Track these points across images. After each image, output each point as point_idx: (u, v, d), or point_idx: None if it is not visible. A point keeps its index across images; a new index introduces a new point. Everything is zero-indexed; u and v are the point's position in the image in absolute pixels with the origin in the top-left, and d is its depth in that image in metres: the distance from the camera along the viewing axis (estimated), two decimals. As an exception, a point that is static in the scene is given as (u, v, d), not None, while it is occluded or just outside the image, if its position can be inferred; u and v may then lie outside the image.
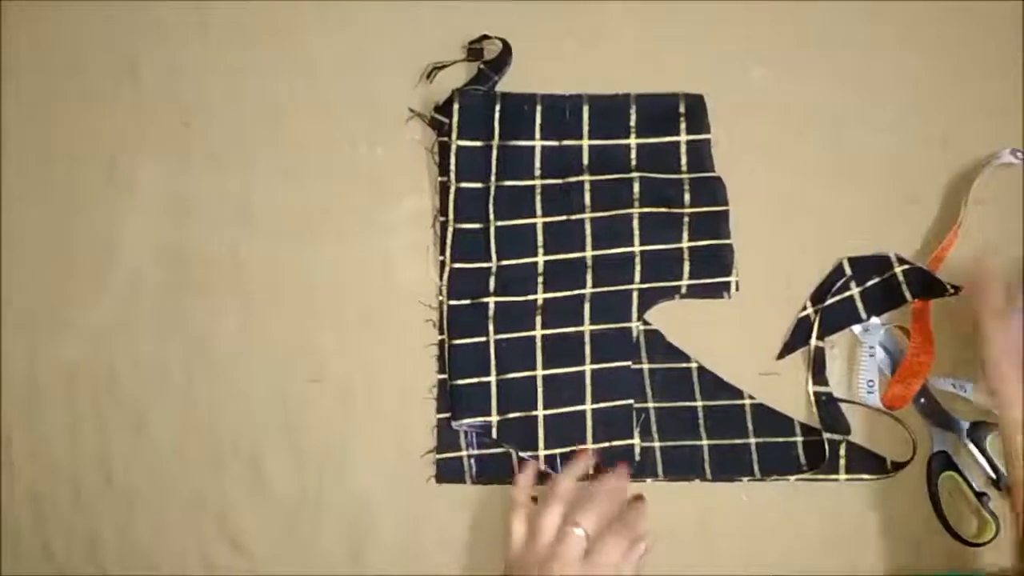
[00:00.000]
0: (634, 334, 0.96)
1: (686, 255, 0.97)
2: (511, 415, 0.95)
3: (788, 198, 0.99)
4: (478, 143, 0.97)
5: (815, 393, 0.96)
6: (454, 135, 0.96)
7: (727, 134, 0.99)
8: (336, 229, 0.98)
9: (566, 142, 0.98)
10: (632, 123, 0.98)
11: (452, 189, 0.96)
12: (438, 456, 0.96)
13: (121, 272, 0.98)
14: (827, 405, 0.96)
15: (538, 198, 0.97)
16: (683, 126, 0.98)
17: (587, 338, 0.96)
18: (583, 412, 0.95)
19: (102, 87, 1.01)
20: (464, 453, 0.95)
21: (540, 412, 0.95)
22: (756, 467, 0.95)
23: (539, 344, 0.96)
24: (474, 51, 0.99)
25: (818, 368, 0.96)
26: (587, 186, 0.97)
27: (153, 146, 1.00)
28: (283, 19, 1.01)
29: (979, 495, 0.94)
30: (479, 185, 0.96)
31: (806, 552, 0.95)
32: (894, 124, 1.00)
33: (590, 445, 0.95)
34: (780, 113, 1.00)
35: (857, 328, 0.97)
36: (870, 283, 0.97)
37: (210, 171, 0.99)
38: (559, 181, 0.97)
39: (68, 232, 0.99)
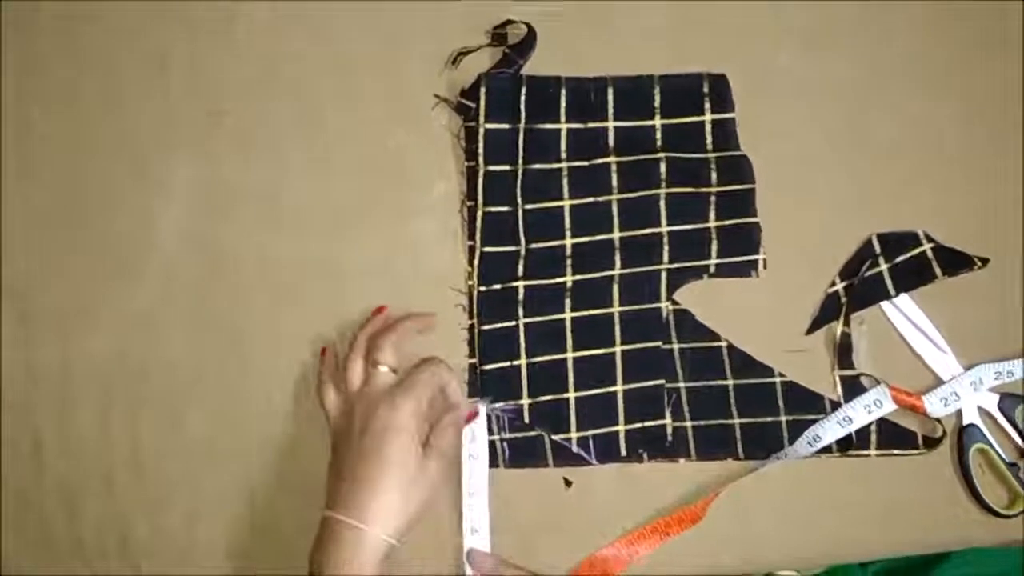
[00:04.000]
0: (663, 314, 0.97)
1: (714, 234, 0.97)
2: (542, 398, 0.96)
3: (813, 176, 0.99)
4: (505, 126, 0.97)
5: (840, 377, 0.96)
6: (482, 118, 0.96)
7: (751, 113, 0.99)
8: (366, 218, 0.98)
9: (591, 124, 0.98)
10: (657, 104, 0.98)
11: (481, 172, 0.96)
12: (471, 440, 0.96)
13: (153, 265, 0.98)
14: (852, 389, 0.96)
15: (565, 180, 0.97)
16: (708, 105, 0.98)
17: (616, 319, 0.96)
18: (614, 393, 0.96)
19: (132, 82, 1.00)
20: (496, 437, 0.95)
21: (571, 395, 0.96)
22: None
23: (569, 327, 0.96)
24: (498, 36, 0.99)
25: (843, 352, 0.96)
26: (613, 167, 0.97)
27: (184, 140, 0.99)
28: (310, 10, 1.01)
29: (1010, 466, 0.94)
30: (507, 168, 0.97)
31: (838, 528, 0.95)
32: (918, 100, 1.00)
33: (622, 426, 0.95)
34: (804, 91, 1.00)
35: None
36: (899, 259, 0.97)
37: (241, 162, 0.99)
38: (585, 163, 0.97)
39: (100, 225, 0.99)
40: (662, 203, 0.97)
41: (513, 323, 0.96)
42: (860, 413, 0.94)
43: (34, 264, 0.99)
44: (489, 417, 0.95)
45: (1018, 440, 0.95)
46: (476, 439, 0.93)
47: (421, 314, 0.95)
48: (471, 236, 0.97)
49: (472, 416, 0.93)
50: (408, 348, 0.93)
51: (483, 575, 0.91)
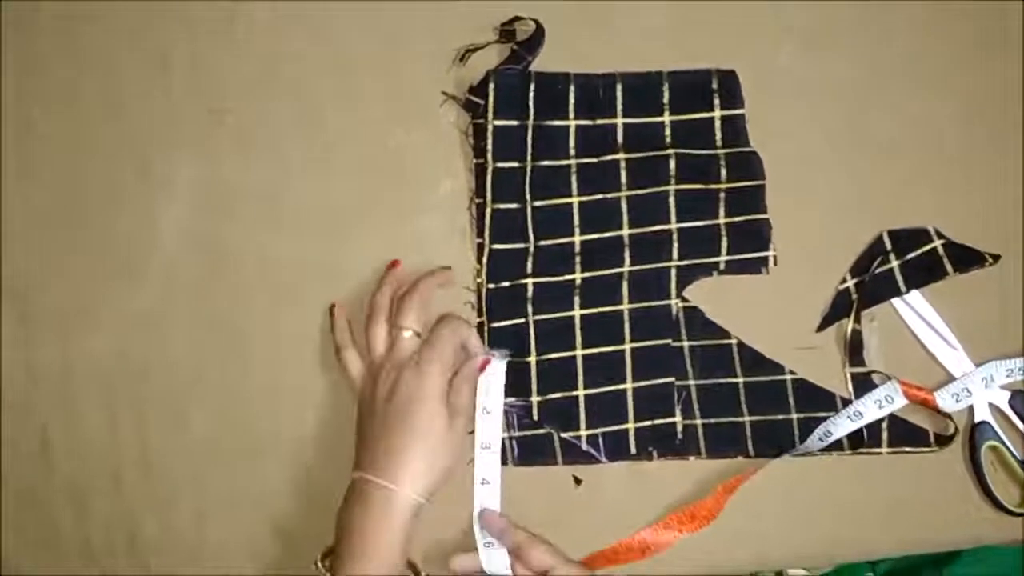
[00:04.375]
0: (673, 312, 0.96)
1: (723, 231, 0.96)
2: (551, 396, 0.95)
3: (823, 172, 0.99)
4: (514, 122, 0.96)
5: (851, 374, 0.95)
6: (490, 115, 0.96)
7: (761, 108, 0.99)
8: (372, 217, 0.98)
9: (600, 121, 0.98)
10: (665, 100, 0.98)
11: (490, 169, 0.96)
12: (479, 438, 0.95)
13: (156, 264, 0.97)
14: (863, 386, 0.95)
15: (574, 177, 0.97)
16: (717, 101, 0.98)
17: (626, 317, 0.96)
18: (624, 391, 0.95)
19: (133, 81, 1.00)
20: (505, 435, 0.94)
21: (581, 392, 0.95)
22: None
23: (578, 324, 0.96)
24: (506, 32, 0.99)
25: (854, 349, 0.96)
26: (622, 164, 0.97)
27: (186, 140, 0.99)
28: (310, 10, 1.00)
29: (1022, 463, 0.94)
30: (516, 165, 0.96)
31: (849, 526, 0.95)
32: (927, 96, 1.00)
33: (632, 424, 0.94)
34: (813, 86, 1.00)
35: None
36: (910, 256, 0.96)
37: (243, 162, 0.99)
38: (594, 160, 0.97)
39: (102, 225, 0.98)
40: (671, 199, 0.96)
41: (522, 320, 0.95)
42: (871, 408, 0.93)
43: (35, 264, 0.98)
44: (506, 415, 0.95)
45: (1032, 438, 0.94)
46: (490, 392, 0.92)
47: (438, 270, 0.95)
48: (480, 233, 0.97)
49: (484, 366, 0.92)
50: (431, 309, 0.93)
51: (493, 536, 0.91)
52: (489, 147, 0.96)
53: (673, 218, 0.96)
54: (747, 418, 0.95)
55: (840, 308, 0.96)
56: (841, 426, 0.93)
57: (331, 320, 0.95)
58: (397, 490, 0.84)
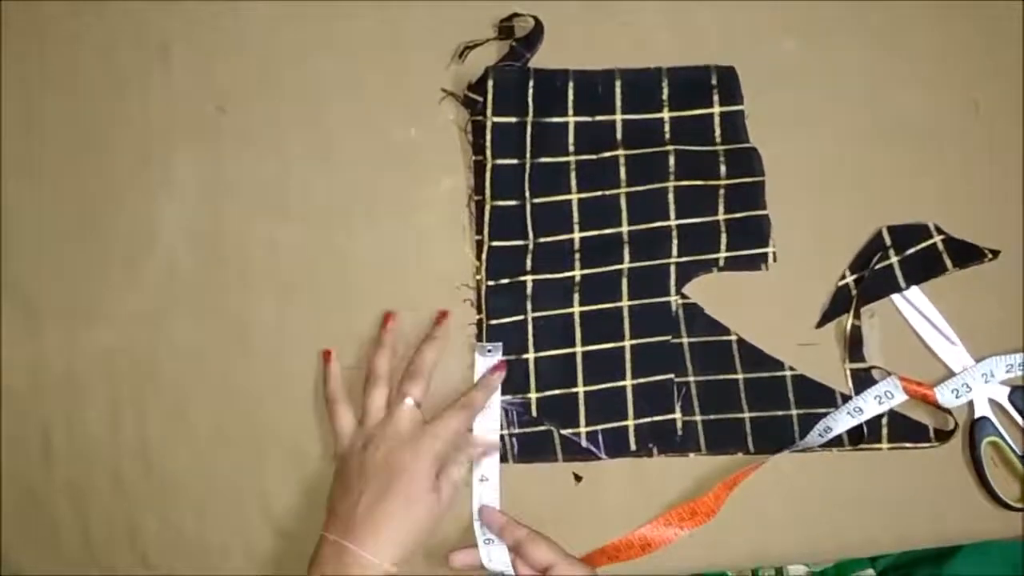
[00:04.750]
0: (673, 308, 0.96)
1: (723, 227, 0.96)
2: (551, 392, 0.95)
3: (822, 168, 0.99)
4: (513, 119, 0.96)
5: (851, 371, 0.95)
6: (489, 112, 0.96)
7: (760, 105, 0.98)
8: (372, 212, 0.98)
9: (599, 117, 0.98)
10: (665, 96, 0.98)
11: (489, 166, 0.96)
12: (479, 435, 0.94)
13: (157, 259, 0.97)
14: (863, 382, 0.95)
15: (573, 174, 0.97)
16: (716, 98, 0.98)
17: (626, 314, 0.96)
18: (623, 388, 0.95)
19: (134, 73, 1.00)
20: (505, 432, 0.94)
21: (580, 389, 0.95)
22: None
23: (578, 321, 0.96)
24: (505, 29, 0.99)
25: (854, 345, 0.95)
26: (622, 161, 0.97)
27: (187, 132, 0.99)
28: (313, 5, 1.00)
29: (1022, 459, 0.93)
30: (515, 162, 0.96)
31: (849, 522, 0.95)
32: (926, 92, 1.00)
33: (631, 421, 0.94)
34: (812, 83, 1.00)
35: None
36: (910, 252, 0.96)
37: (244, 156, 0.99)
38: (593, 157, 0.97)
39: (103, 220, 0.98)
40: (671, 196, 0.96)
41: (521, 317, 0.95)
42: (871, 404, 0.93)
43: (39, 260, 0.98)
44: (506, 411, 0.95)
45: (1031, 433, 0.94)
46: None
47: (436, 334, 0.95)
48: (479, 230, 0.97)
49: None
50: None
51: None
52: (488, 144, 0.96)
53: (672, 215, 0.96)
54: (747, 414, 0.95)
55: (840, 304, 0.96)
56: (841, 422, 0.93)
57: (324, 368, 0.94)
58: (376, 561, 0.84)
